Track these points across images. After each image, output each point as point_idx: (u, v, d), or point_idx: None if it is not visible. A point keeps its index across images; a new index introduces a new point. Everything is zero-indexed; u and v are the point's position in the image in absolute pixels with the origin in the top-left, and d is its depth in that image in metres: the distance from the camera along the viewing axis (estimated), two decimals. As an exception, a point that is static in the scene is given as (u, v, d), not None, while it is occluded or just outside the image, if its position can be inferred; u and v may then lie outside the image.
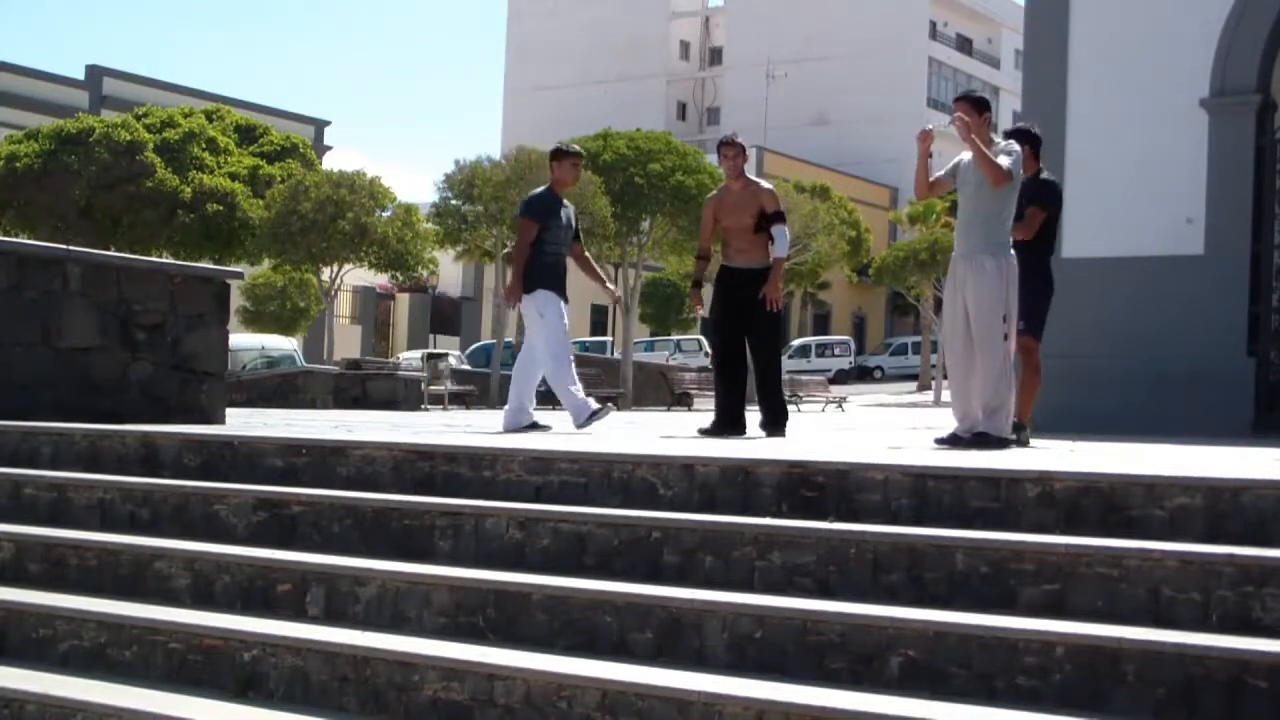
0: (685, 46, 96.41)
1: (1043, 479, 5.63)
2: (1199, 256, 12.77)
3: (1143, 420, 10.90)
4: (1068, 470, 5.71)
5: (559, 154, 11.03)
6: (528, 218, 10.72)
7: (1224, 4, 13.88)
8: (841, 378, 58.94)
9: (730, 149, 10.47)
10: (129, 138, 39.46)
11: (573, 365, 10.81)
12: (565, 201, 10.92)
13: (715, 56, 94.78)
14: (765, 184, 10.74)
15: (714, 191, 11.08)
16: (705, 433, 10.22)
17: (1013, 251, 8.76)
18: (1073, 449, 8.78)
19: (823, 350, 66.13)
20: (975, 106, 8.82)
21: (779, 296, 10.33)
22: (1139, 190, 13.81)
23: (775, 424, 10.38)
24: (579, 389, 10.71)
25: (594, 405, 10.73)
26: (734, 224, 10.46)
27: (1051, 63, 14.80)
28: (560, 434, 9.58)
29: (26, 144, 40.09)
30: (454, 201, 37.92)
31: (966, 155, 8.80)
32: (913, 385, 59.14)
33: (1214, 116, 13.84)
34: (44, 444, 8.30)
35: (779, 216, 10.48)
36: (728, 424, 10.32)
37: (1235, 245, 13.60)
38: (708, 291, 11.00)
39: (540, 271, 10.62)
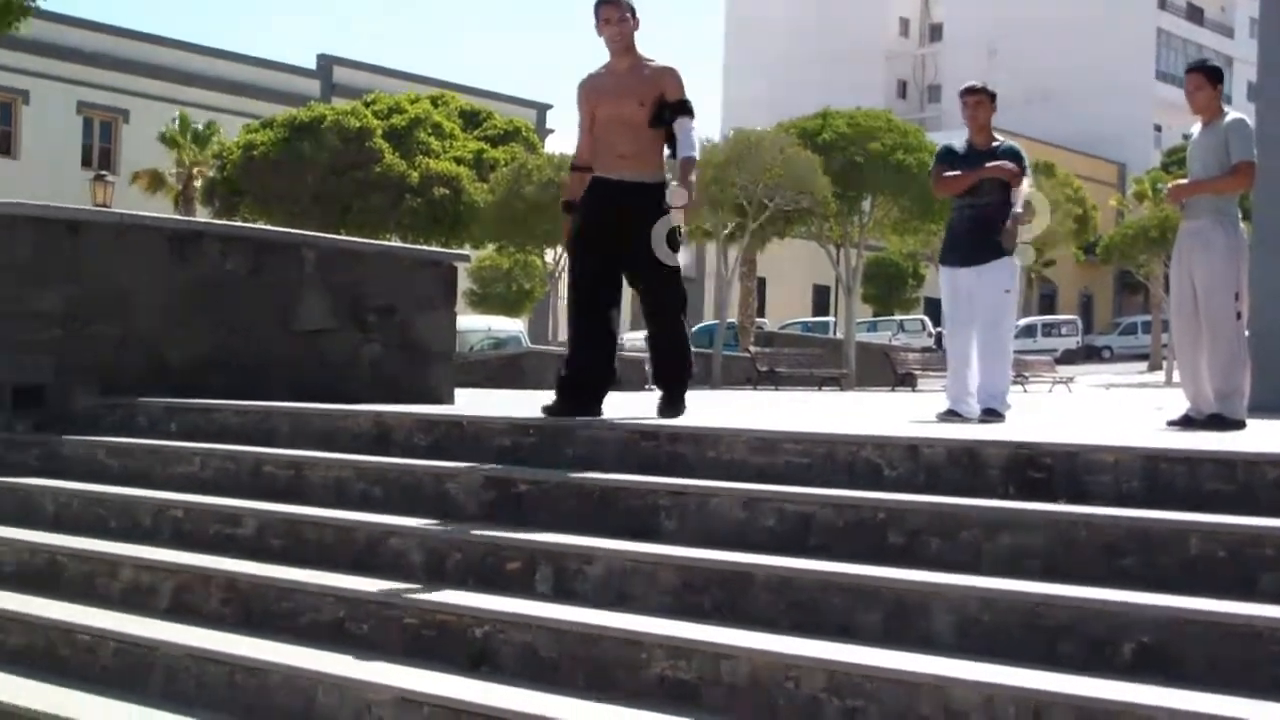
0: (905, 23, 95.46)
1: (1283, 462, 5.45)
2: None
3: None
4: (1310, 453, 5.53)
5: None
6: None
7: None
8: (1069, 357, 57.91)
9: (611, 8, 7.79)
10: (358, 124, 40.53)
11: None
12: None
13: (935, 33, 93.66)
14: (664, 63, 7.95)
15: (589, 75, 8.16)
16: (548, 410, 7.72)
17: (1242, 225, 8.45)
18: None
19: (1049, 330, 65.02)
20: (1210, 79, 8.50)
21: (687, 206, 7.52)
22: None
23: (670, 404, 8.11)
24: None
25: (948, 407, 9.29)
26: (614, 115, 7.87)
27: (1290, 31, 14.25)
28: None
29: (263, 132, 41.48)
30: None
31: (1196, 126, 8.55)
32: (1142, 365, 57.75)
33: None
34: (282, 423, 8.58)
35: (683, 107, 7.86)
36: (580, 393, 7.90)
37: None
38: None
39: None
